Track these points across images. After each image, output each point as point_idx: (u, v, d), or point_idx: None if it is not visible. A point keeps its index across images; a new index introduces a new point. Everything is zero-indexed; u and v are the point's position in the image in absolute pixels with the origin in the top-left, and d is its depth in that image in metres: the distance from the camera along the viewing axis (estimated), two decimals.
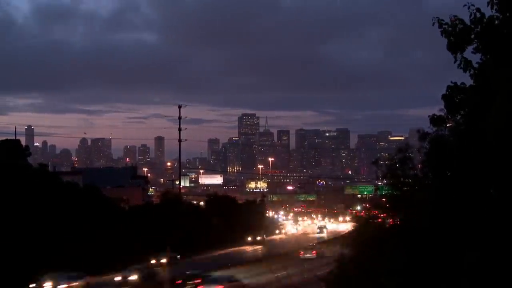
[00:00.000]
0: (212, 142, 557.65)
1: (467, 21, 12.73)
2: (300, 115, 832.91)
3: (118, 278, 60.51)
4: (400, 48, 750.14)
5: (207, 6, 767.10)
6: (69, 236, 64.33)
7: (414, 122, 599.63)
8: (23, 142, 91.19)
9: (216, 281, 49.38)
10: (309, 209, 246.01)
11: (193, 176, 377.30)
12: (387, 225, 23.29)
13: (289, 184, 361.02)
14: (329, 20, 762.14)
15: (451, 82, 13.77)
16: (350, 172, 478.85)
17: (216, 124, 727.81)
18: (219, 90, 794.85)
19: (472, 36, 12.70)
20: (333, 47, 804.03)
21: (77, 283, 57.19)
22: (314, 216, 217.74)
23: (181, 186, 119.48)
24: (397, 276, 17.29)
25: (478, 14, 12.48)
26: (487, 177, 12.71)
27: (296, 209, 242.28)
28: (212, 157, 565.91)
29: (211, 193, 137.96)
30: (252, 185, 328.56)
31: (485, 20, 12.48)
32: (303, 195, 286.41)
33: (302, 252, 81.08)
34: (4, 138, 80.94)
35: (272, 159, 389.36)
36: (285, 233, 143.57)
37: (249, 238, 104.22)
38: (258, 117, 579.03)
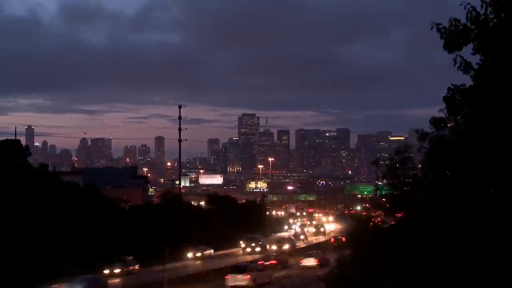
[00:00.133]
0: (212, 142, 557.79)
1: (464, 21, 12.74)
2: (301, 115, 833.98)
3: None
4: (418, 49, 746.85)
5: (225, 5, 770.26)
6: (69, 236, 64.34)
7: (414, 122, 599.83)
8: (23, 142, 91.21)
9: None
10: (309, 209, 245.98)
11: (193, 176, 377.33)
12: (387, 225, 23.31)
13: (289, 184, 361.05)
14: (345, 20, 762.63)
15: (452, 84, 13.82)
16: (350, 172, 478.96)
17: (216, 124, 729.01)
18: (231, 90, 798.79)
19: (471, 37, 12.71)
20: (347, 47, 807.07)
21: None
22: (316, 216, 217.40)
23: (181, 186, 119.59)
24: (397, 276, 17.30)
25: (473, 13, 12.49)
26: (487, 177, 12.73)
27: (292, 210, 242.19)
28: (212, 157, 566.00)
29: (211, 193, 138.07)
30: (252, 185, 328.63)
31: (480, 19, 12.48)
32: (303, 195, 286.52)
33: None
34: (4, 138, 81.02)
35: (272, 159, 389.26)
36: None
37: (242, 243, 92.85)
38: (258, 117, 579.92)
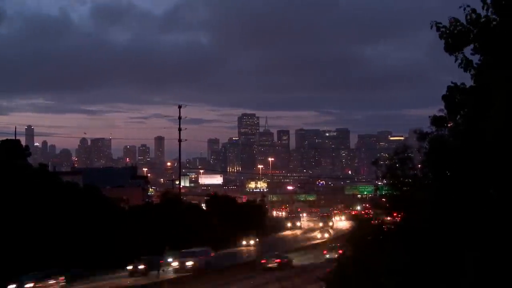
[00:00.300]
0: (212, 142, 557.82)
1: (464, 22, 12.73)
2: (301, 115, 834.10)
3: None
4: (437, 49, 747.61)
5: (248, 6, 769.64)
6: (69, 236, 64.37)
7: (415, 122, 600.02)
8: (23, 142, 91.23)
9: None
10: (309, 209, 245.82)
11: (193, 176, 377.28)
12: (387, 225, 23.30)
13: (289, 184, 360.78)
14: (367, 20, 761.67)
15: (452, 82, 13.79)
16: (350, 172, 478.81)
17: (216, 124, 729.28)
18: (246, 90, 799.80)
19: (470, 38, 12.70)
20: (365, 47, 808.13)
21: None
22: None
23: (181, 186, 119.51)
24: (397, 276, 17.30)
25: (474, 15, 12.49)
26: (487, 177, 12.73)
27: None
28: (212, 157, 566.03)
29: (211, 193, 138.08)
30: (252, 185, 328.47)
31: (481, 20, 12.48)
32: (303, 195, 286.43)
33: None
34: (4, 138, 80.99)
35: (272, 159, 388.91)
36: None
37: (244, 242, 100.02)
38: (258, 117, 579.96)
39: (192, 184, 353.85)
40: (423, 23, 13.08)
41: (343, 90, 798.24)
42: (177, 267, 64.99)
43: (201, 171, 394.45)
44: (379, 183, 25.44)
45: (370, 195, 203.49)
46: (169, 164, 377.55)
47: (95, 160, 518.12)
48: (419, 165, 19.88)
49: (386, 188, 22.45)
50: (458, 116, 14.24)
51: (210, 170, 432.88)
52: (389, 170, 21.56)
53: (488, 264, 12.32)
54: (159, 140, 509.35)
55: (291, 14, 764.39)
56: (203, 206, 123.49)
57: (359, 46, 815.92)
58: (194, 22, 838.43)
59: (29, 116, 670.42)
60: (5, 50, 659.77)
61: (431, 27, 12.94)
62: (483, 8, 12.39)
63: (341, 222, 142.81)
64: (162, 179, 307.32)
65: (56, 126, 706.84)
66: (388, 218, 23.09)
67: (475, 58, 13.07)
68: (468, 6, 12.55)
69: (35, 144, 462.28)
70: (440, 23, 12.89)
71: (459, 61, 12.92)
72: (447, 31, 12.75)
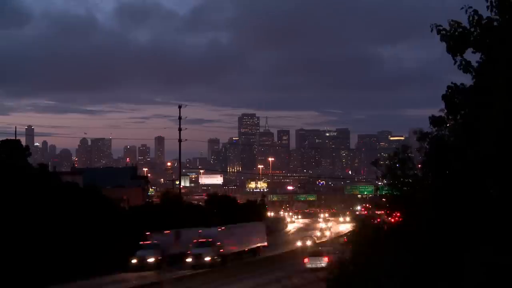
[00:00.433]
0: (212, 142, 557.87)
1: (466, 24, 12.73)
2: (302, 115, 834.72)
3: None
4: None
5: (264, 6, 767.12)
6: (69, 236, 64.33)
7: (416, 122, 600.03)
8: (23, 142, 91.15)
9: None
10: (309, 209, 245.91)
11: (193, 176, 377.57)
12: (387, 225, 23.30)
13: (289, 184, 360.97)
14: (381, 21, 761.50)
15: (451, 82, 13.79)
16: (350, 172, 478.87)
17: (217, 124, 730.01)
18: (262, 90, 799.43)
19: (472, 39, 12.71)
20: (379, 48, 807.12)
21: None
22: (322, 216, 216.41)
23: (181, 186, 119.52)
24: (397, 276, 17.30)
25: (476, 17, 12.50)
26: (486, 177, 12.73)
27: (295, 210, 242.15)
28: (212, 157, 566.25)
29: (211, 193, 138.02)
30: (252, 185, 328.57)
31: (483, 22, 12.48)
32: (303, 195, 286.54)
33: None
34: (4, 138, 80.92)
35: (272, 159, 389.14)
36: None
37: None
38: (258, 117, 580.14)
39: (192, 184, 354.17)
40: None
41: (343, 90, 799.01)
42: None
43: (201, 171, 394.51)
44: (379, 183, 25.41)
45: (370, 195, 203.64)
46: (169, 164, 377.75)
47: (95, 160, 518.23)
48: (419, 165, 19.89)
49: (386, 188, 22.44)
50: (458, 116, 14.24)
51: (210, 170, 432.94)
52: (389, 170, 21.55)
53: (488, 264, 12.32)
54: (159, 140, 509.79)
55: (303, 15, 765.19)
56: (203, 205, 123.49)
57: (376, 46, 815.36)
58: (204, 24, 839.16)
59: (30, 116, 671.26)
60: (18, 50, 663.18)
61: (432, 30, 12.96)
62: (488, 8, 12.41)
63: (343, 225, 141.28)
64: (162, 179, 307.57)
65: (56, 126, 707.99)
66: (389, 218, 23.11)
67: (475, 57, 13.07)
68: (470, 7, 12.57)
69: (35, 144, 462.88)
70: (441, 25, 12.91)
71: (458, 63, 12.94)
72: (448, 34, 12.76)
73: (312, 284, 47.41)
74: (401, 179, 20.99)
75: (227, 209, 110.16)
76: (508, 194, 12.14)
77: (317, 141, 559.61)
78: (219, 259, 68.14)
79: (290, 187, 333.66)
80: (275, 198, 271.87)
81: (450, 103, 13.82)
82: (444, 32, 12.82)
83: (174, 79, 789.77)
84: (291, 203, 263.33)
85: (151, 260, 67.59)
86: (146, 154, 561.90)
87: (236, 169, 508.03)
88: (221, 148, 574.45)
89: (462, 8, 12.59)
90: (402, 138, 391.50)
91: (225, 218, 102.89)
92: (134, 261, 67.15)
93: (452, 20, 12.84)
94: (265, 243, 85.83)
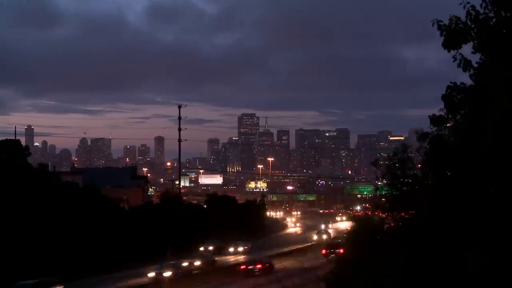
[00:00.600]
0: (212, 142, 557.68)
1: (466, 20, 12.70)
2: (302, 115, 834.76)
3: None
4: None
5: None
6: (69, 236, 64.31)
7: (417, 122, 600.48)
8: (23, 142, 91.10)
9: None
10: (309, 208, 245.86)
11: (193, 176, 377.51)
12: (387, 225, 23.30)
13: (289, 184, 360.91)
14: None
15: (451, 82, 13.77)
16: (350, 172, 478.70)
17: (217, 124, 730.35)
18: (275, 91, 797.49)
19: (469, 35, 12.68)
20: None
21: None
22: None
23: (181, 186, 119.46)
24: (397, 276, 17.30)
25: (473, 12, 12.47)
26: (486, 177, 12.72)
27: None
28: (212, 157, 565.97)
29: (211, 193, 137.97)
30: (252, 185, 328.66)
31: (480, 18, 12.46)
32: (303, 195, 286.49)
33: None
34: (4, 138, 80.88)
35: (272, 159, 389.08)
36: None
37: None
38: (258, 117, 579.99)
39: (192, 184, 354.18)
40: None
41: (344, 90, 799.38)
42: None
43: (201, 171, 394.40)
44: (379, 183, 25.40)
45: (370, 195, 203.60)
46: (169, 164, 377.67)
47: (95, 160, 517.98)
48: (419, 165, 19.88)
49: (386, 188, 22.43)
50: (458, 116, 14.22)
51: (210, 170, 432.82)
52: (389, 170, 21.54)
53: (488, 263, 12.32)
54: (159, 140, 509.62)
55: (309, 17, 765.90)
56: (203, 205, 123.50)
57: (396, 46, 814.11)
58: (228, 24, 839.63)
59: (30, 116, 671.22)
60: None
61: (433, 25, 12.93)
62: (481, 6, 12.39)
63: (341, 223, 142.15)
64: (162, 179, 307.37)
65: (56, 126, 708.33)
66: (388, 218, 23.10)
67: (475, 57, 13.06)
68: (468, 2, 12.54)
69: (35, 144, 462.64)
70: (441, 21, 12.89)
71: (457, 61, 12.92)
72: (447, 29, 12.73)
73: (312, 284, 47.39)
74: (401, 179, 20.99)
75: (227, 209, 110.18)
76: (508, 194, 12.14)
77: (317, 141, 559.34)
78: None
79: (289, 187, 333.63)
80: (274, 198, 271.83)
81: (450, 103, 13.80)
82: (444, 27, 12.79)
83: (179, 79, 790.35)
84: (291, 203, 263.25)
85: None
86: (146, 154, 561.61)
87: (236, 169, 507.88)
88: (221, 148, 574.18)
89: (460, 3, 12.58)
90: (402, 138, 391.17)
91: (224, 218, 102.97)
92: None
93: (452, 15, 12.82)
94: None
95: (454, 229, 13.54)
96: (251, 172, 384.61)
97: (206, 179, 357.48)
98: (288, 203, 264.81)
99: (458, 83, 13.62)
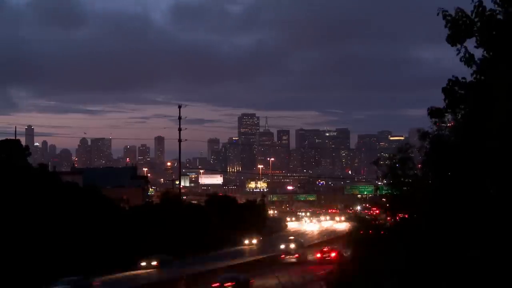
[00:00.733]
0: (212, 142, 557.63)
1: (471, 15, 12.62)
2: (303, 115, 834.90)
3: None
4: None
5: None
6: (69, 236, 64.30)
7: (417, 122, 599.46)
8: (23, 142, 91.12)
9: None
10: (310, 208, 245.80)
11: (193, 176, 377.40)
12: (387, 225, 23.28)
13: (289, 184, 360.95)
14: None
15: (452, 76, 13.66)
16: (350, 172, 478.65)
17: (217, 124, 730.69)
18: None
19: (474, 30, 12.61)
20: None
21: None
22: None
23: (181, 186, 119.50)
24: (397, 276, 17.27)
25: (480, 8, 12.40)
26: (487, 177, 12.69)
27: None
28: (212, 157, 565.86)
29: (211, 193, 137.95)
30: (252, 185, 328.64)
31: (486, 13, 12.40)
32: (303, 195, 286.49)
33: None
34: (4, 138, 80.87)
35: (272, 159, 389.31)
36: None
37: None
38: (258, 117, 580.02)
39: (192, 184, 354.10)
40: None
41: (344, 90, 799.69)
42: None
43: (201, 171, 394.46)
44: (379, 183, 25.38)
45: (370, 195, 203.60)
46: (169, 164, 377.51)
47: (95, 160, 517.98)
48: (419, 165, 19.85)
49: (386, 188, 22.40)
50: (459, 115, 14.17)
51: (210, 170, 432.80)
52: (390, 170, 21.51)
53: (488, 263, 12.30)
54: (159, 140, 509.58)
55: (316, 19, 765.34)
56: (203, 205, 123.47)
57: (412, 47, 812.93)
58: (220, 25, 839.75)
59: (30, 116, 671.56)
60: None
61: (438, 14, 12.85)
62: (492, 1, 12.32)
63: (340, 224, 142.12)
64: (162, 179, 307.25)
65: (56, 126, 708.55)
66: (388, 218, 23.08)
67: (478, 53, 12.96)
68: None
69: (35, 144, 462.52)
70: (447, 11, 12.80)
71: (461, 54, 12.82)
72: (452, 20, 12.64)
73: (312, 284, 47.35)
74: (402, 179, 20.96)
75: (227, 209, 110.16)
76: (509, 193, 12.11)
77: (317, 141, 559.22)
78: None
79: (290, 187, 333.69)
80: (275, 198, 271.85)
81: (450, 96, 13.69)
82: (449, 18, 12.69)
83: (180, 79, 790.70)
84: (291, 203, 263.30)
85: None
86: (146, 154, 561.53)
87: (236, 169, 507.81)
88: (221, 148, 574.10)
89: (472, 2, 12.50)
90: (402, 138, 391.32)
91: (224, 218, 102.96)
92: None
93: (458, 8, 12.74)
94: None
95: (454, 229, 13.52)
96: (251, 172, 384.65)
97: (206, 179, 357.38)
98: (288, 203, 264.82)
99: (460, 78, 13.55)
